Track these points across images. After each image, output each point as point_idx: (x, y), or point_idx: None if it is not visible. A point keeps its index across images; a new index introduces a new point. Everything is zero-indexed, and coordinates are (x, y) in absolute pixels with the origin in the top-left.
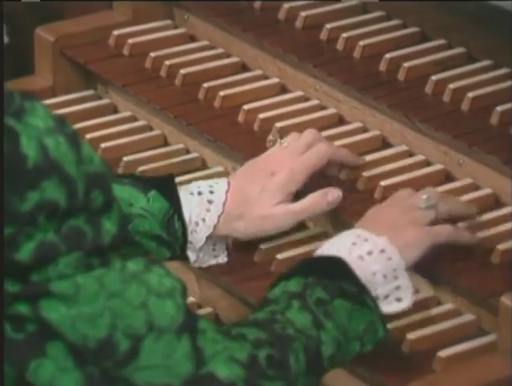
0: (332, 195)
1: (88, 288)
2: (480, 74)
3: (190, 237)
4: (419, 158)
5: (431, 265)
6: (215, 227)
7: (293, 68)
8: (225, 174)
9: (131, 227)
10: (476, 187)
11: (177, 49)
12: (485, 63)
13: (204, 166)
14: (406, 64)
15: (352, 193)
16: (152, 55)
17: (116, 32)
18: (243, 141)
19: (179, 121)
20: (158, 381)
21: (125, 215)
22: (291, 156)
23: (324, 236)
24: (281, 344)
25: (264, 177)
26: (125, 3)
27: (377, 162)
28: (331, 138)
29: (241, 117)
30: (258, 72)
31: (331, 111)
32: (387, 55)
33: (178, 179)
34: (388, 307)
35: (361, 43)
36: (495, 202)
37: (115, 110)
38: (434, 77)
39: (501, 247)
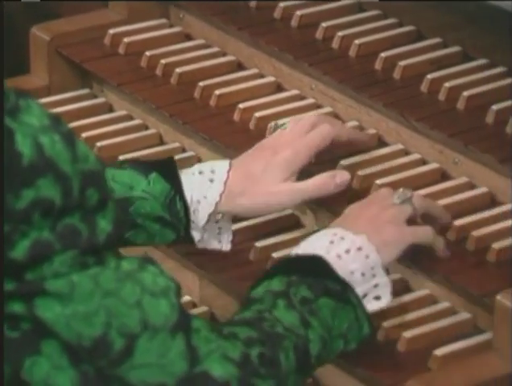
0: (341, 177)
1: (84, 286)
2: (475, 73)
3: (192, 217)
4: (415, 156)
5: (427, 263)
6: (217, 204)
7: (289, 67)
8: None
9: (133, 210)
10: (471, 186)
11: (173, 48)
12: (481, 61)
13: None
14: (402, 63)
15: (347, 191)
16: (148, 53)
17: (111, 31)
18: (239, 139)
19: (174, 119)
20: (153, 380)
21: (122, 214)
22: (294, 136)
23: None
24: (272, 342)
25: (267, 156)
26: (120, 2)
27: (372, 160)
28: None
29: (236, 116)
30: (254, 71)
31: (326, 110)
32: (383, 54)
33: None
34: (367, 306)
35: (357, 41)
36: (491, 201)
37: (111, 109)
38: (429, 76)
39: (497, 245)
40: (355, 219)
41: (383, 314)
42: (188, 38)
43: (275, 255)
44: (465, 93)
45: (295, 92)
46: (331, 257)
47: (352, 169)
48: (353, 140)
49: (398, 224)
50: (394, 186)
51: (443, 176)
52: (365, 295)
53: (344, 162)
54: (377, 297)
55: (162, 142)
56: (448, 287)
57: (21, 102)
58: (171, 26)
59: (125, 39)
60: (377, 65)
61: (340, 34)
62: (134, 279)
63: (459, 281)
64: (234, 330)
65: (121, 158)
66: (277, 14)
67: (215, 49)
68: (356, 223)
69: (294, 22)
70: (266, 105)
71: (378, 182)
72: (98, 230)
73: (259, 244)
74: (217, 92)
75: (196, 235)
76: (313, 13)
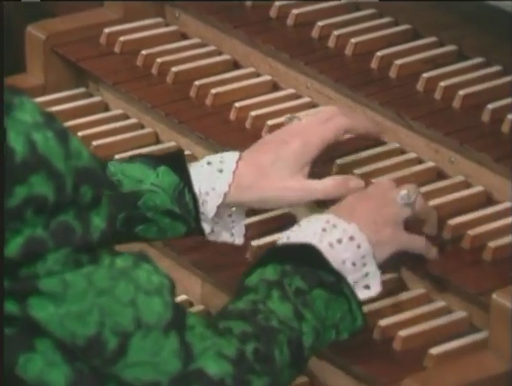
0: (356, 183)
1: (77, 286)
2: (471, 72)
3: (201, 208)
4: (411, 155)
5: (423, 262)
6: (225, 195)
7: (285, 66)
8: None
9: (142, 203)
10: (467, 185)
11: (168, 47)
12: (477, 60)
13: None
14: (398, 62)
15: None
16: (143, 52)
17: (107, 30)
18: (235, 138)
19: (170, 118)
20: (147, 378)
21: (115, 210)
22: (306, 127)
23: None
24: (266, 337)
25: (277, 147)
26: (116, 1)
27: (368, 159)
28: None
29: (232, 115)
30: (250, 70)
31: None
32: (379, 53)
33: None
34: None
35: (353, 40)
36: (487, 199)
37: (106, 108)
38: (425, 75)
39: (493, 244)
40: (352, 211)
41: (379, 312)
42: (184, 37)
43: None
44: (461, 92)
45: (291, 90)
46: (323, 246)
47: (348, 167)
48: (369, 133)
49: (395, 226)
50: None
51: (439, 175)
52: (354, 283)
53: (340, 161)
54: (367, 287)
55: (158, 141)
56: (443, 286)
57: (14, 99)
58: (166, 25)
59: (121, 38)
60: (373, 64)
61: (336, 33)
62: (128, 277)
63: (455, 280)
64: (229, 324)
65: (116, 157)
66: (273, 12)
67: (211, 48)
68: (352, 215)
69: (290, 21)
70: (262, 104)
71: (374, 180)
72: (92, 227)
73: (255, 243)
74: (213, 90)
75: (206, 227)
76: (309, 12)
